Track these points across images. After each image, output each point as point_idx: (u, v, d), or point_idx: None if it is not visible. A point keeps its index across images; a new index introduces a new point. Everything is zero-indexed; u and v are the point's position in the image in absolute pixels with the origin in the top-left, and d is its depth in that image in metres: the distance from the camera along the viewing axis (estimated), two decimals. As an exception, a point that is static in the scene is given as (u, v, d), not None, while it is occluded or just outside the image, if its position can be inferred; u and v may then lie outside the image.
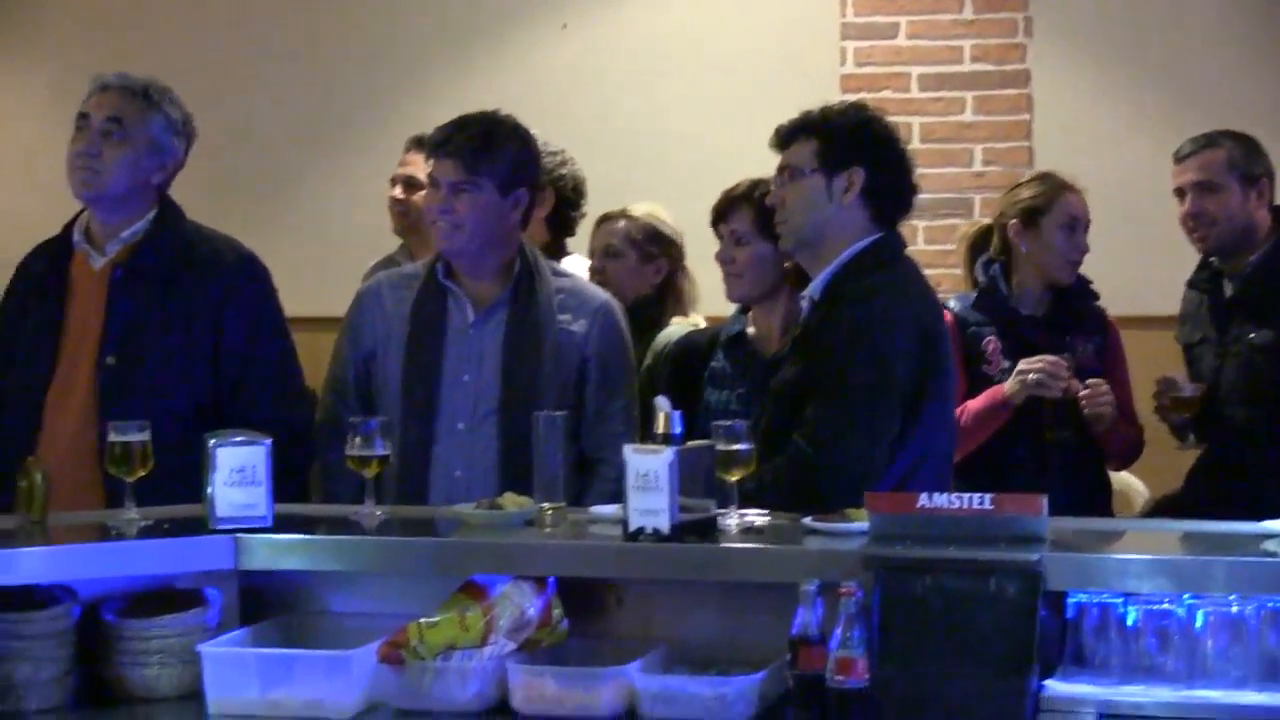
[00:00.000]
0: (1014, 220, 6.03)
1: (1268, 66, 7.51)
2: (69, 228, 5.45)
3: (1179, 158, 6.16)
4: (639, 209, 6.43)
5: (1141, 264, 6.88)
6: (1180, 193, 6.19)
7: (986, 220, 6.23)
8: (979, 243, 6.19)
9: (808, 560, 4.40)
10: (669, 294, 6.32)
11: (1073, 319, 6.00)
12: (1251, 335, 5.80)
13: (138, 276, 5.30)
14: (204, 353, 5.41)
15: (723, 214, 5.50)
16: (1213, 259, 6.14)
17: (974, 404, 5.96)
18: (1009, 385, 5.88)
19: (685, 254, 6.40)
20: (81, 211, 5.46)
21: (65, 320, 5.39)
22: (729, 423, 4.60)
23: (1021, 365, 5.82)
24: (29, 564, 4.54)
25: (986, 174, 6.76)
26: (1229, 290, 6.04)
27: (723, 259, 5.50)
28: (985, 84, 7.56)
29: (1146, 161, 7.20)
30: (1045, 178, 6.37)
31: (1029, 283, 5.93)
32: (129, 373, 5.26)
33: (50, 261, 5.45)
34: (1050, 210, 6.04)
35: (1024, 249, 6.00)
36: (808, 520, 4.53)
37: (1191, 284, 6.18)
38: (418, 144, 6.45)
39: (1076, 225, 6.00)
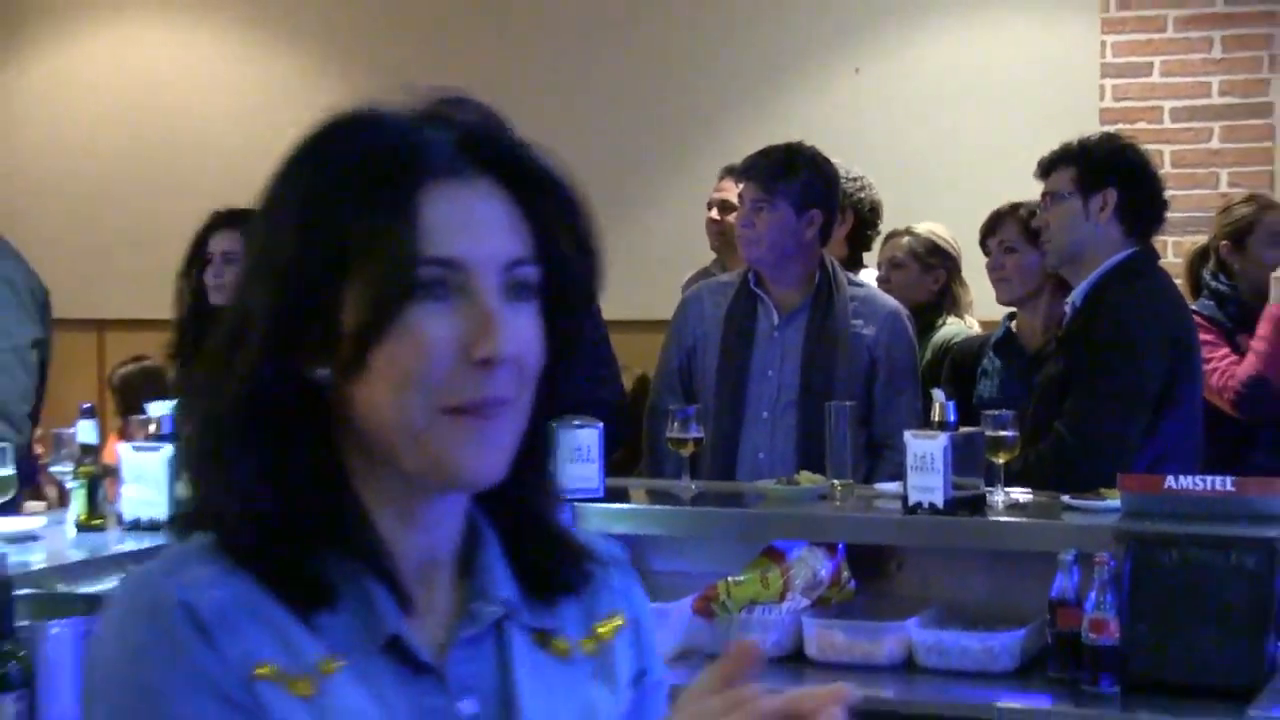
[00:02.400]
0: (1224, 241, 5.86)
1: None
2: None
3: None
4: (921, 227, 6.44)
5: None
6: None
7: (1205, 239, 6.07)
8: (1198, 260, 6.01)
9: (1066, 533, 4.37)
10: (946, 299, 6.33)
11: None
12: None
13: None
14: None
15: (992, 229, 5.50)
16: None
17: (1260, 331, 5.71)
18: (1274, 290, 5.68)
19: (961, 265, 6.38)
20: None
21: None
22: (997, 412, 4.62)
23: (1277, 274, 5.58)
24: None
25: (1231, 195, 6.63)
26: None
27: (993, 266, 5.49)
28: (1231, 115, 7.41)
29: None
30: (1251, 199, 6.15)
31: (1249, 294, 5.73)
32: None
33: None
34: (1255, 230, 5.83)
35: (1236, 267, 5.80)
36: (1066, 498, 4.51)
37: None
38: (729, 172, 6.48)
39: None
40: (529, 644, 1.57)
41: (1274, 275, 5.65)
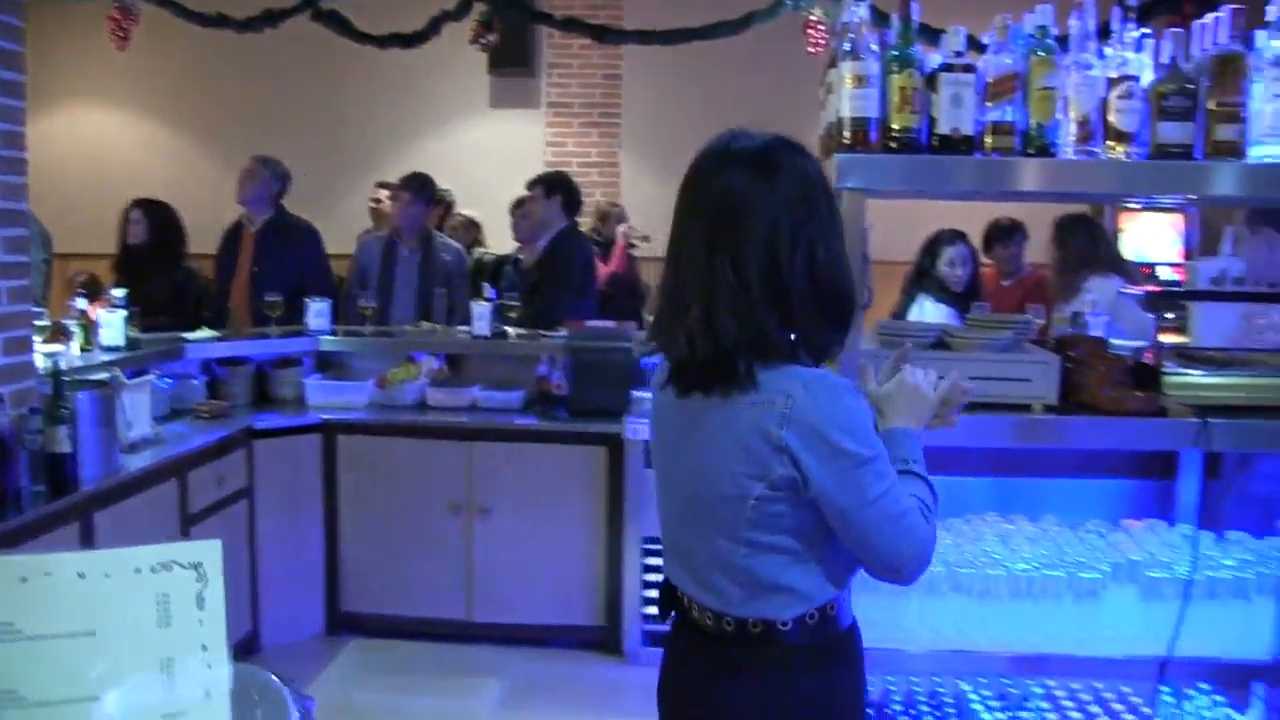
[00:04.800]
0: (599, 222, 6.27)
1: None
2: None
3: None
4: (465, 211, 6.68)
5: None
6: None
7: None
8: (592, 231, 6.30)
9: (543, 347, 4.74)
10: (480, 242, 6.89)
11: None
12: None
13: (271, 236, 5.31)
14: (293, 269, 5.17)
15: (519, 205, 5.68)
16: None
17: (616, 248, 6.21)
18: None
19: (481, 227, 6.70)
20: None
21: (239, 256, 5.47)
22: (512, 293, 5.02)
23: None
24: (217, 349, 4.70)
25: (601, 200, 6.85)
26: None
27: (516, 224, 5.61)
28: (600, 168, 7.76)
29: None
30: (611, 203, 6.74)
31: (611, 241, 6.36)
32: (266, 276, 5.22)
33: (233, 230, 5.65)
34: (610, 216, 6.26)
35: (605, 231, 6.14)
36: (542, 332, 5.01)
37: None
38: (382, 184, 6.45)
39: None
40: None
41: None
